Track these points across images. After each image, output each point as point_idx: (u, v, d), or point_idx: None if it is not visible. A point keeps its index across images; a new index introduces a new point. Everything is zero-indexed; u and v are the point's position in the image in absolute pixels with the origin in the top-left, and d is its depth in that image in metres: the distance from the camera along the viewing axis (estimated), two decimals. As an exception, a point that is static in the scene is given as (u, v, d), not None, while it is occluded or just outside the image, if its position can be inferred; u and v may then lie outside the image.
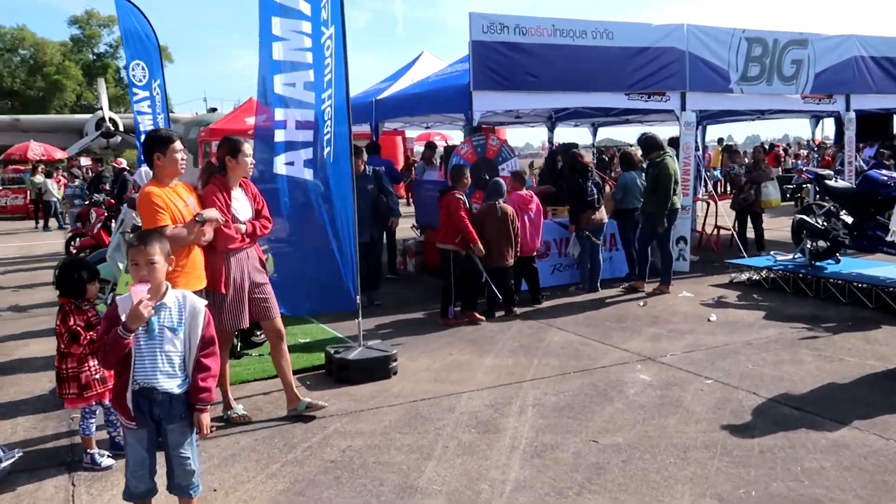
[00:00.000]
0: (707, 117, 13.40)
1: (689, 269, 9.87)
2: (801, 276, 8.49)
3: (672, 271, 8.77)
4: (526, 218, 7.99)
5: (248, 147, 4.80)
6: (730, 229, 11.30)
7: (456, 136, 19.43)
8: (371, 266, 8.32)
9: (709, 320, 7.33)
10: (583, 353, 6.35)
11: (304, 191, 5.32)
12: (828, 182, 8.62)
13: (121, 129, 24.59)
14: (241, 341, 6.45)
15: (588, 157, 9.88)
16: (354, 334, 6.85)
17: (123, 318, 2.92)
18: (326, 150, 5.33)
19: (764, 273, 8.98)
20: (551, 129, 13.59)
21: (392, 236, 10.12)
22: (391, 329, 7.35)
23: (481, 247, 7.29)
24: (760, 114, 12.74)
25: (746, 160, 12.79)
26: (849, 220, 8.32)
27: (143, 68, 11.08)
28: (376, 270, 8.49)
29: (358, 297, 5.73)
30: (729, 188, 17.82)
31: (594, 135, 15.71)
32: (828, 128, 20.96)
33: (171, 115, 29.36)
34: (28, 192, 22.03)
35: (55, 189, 19.52)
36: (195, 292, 4.38)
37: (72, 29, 52.87)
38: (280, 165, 5.16)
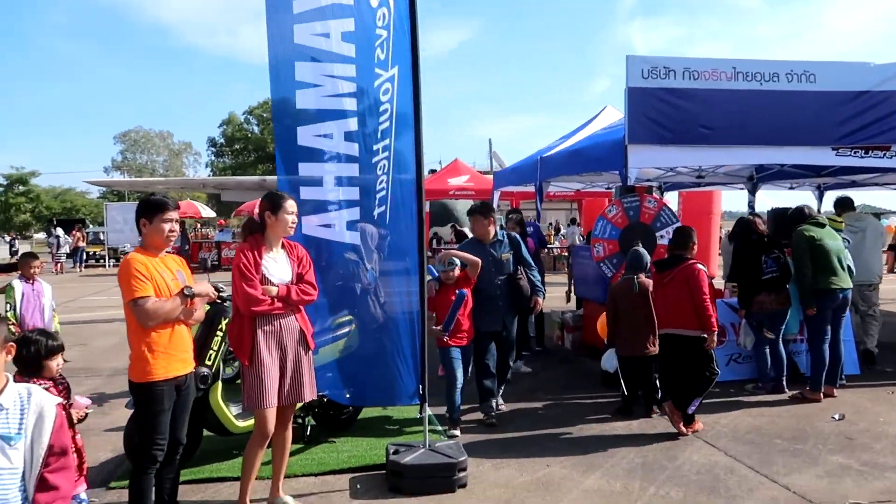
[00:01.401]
0: (967, 178, 10.65)
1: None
2: None
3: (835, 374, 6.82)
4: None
5: (290, 204, 4.24)
6: None
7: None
8: (497, 364, 6.25)
9: (928, 453, 5.31)
10: (721, 484, 4.76)
11: (347, 256, 4.54)
12: None
13: None
14: (316, 420, 5.72)
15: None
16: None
17: (-59, 423, 2.29)
18: (379, 210, 4.52)
19: None
20: (752, 192, 11.57)
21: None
22: (493, 421, 6.06)
23: (715, 338, 5.79)
24: None
25: None
26: None
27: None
28: (500, 369, 6.31)
29: (421, 386, 4.76)
30: None
31: (820, 199, 13.23)
32: None
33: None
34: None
35: None
36: (182, 377, 3.79)
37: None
38: (311, 227, 4.44)
